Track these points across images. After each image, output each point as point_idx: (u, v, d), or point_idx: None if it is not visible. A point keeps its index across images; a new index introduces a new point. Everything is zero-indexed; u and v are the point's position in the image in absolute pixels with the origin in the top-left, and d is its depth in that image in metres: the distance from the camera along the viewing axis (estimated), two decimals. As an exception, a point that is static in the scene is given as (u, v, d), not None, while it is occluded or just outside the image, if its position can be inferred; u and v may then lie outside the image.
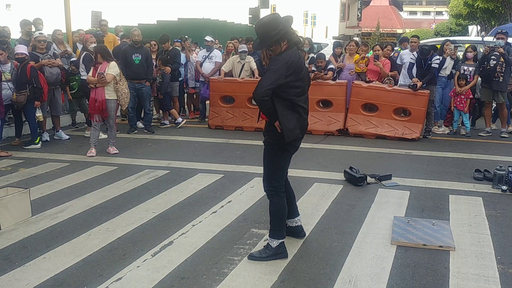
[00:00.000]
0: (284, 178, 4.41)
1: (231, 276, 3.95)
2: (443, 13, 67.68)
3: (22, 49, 8.45)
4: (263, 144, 4.34)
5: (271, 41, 4.03)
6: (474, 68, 9.67)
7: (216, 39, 12.81)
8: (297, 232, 4.66)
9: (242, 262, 4.19)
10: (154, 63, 10.34)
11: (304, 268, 4.09)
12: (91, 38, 9.20)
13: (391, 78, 9.90)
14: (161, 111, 11.09)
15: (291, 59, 4.02)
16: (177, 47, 11.55)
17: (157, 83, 10.35)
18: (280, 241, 4.27)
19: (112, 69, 7.91)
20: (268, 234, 4.37)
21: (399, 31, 54.38)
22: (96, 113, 8.00)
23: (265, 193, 4.39)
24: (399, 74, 10.10)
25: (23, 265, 4.13)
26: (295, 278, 3.92)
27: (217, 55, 11.24)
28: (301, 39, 4.82)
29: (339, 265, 4.14)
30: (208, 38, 11.35)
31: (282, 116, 4.04)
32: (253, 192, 6.08)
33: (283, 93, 4.03)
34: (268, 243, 4.30)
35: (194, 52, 12.39)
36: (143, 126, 10.25)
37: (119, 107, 8.28)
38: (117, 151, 8.14)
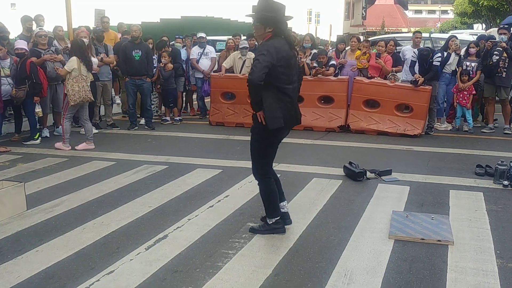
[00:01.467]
0: (270, 165, 4.54)
1: (225, 269, 3.89)
2: (448, 11, 67.38)
3: (21, 44, 8.43)
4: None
5: (260, 18, 4.18)
6: (476, 63, 9.57)
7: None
8: (284, 219, 4.66)
9: (237, 255, 4.13)
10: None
11: (299, 262, 4.03)
12: (82, 32, 9.11)
13: (395, 74, 9.82)
14: (163, 107, 11.05)
15: (279, 46, 4.13)
16: (178, 44, 11.54)
17: (161, 79, 10.30)
18: (276, 218, 4.54)
19: (68, 64, 7.98)
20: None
21: (404, 30, 54.15)
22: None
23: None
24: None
25: (15, 258, 4.09)
26: (290, 272, 3.86)
27: (211, 50, 11.30)
28: (295, 38, 4.84)
29: (335, 259, 4.08)
30: (201, 34, 11.33)
31: (266, 103, 4.17)
32: (251, 186, 6.01)
33: (271, 79, 4.10)
34: (266, 220, 4.60)
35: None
36: (143, 123, 10.21)
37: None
38: (93, 146, 8.14)
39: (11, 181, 5.33)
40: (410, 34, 13.95)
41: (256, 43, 10.98)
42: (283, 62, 4.13)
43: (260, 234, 4.53)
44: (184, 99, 11.86)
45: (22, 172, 6.73)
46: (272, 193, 4.52)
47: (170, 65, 10.17)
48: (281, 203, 4.67)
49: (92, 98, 8.25)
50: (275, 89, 4.17)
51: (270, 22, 4.17)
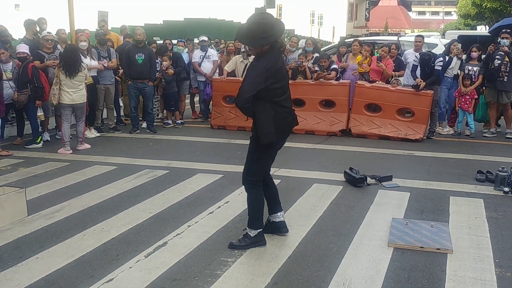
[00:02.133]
0: (264, 175, 4.52)
1: (224, 277, 3.90)
2: (452, 13, 67.30)
3: (23, 49, 8.46)
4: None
5: (257, 42, 4.11)
6: (478, 68, 9.56)
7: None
8: (280, 228, 4.69)
9: (236, 263, 4.14)
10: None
11: (298, 270, 4.03)
12: (81, 36, 9.15)
13: (398, 79, 9.83)
14: (165, 111, 11.07)
15: (269, 63, 4.11)
16: (180, 47, 11.56)
17: (163, 82, 10.33)
18: (258, 230, 4.44)
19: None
20: (247, 225, 4.49)
21: (408, 31, 54.10)
22: None
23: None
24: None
25: (15, 265, 4.11)
26: (288, 280, 3.87)
27: (213, 53, 11.33)
28: (284, 43, 4.81)
29: (333, 267, 4.08)
30: (203, 38, 11.36)
31: (259, 120, 4.20)
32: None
33: (264, 95, 4.12)
34: (246, 233, 4.46)
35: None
36: (145, 126, 10.23)
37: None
38: (89, 146, 8.55)
39: (13, 187, 5.37)
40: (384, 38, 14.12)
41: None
42: (274, 79, 4.12)
43: (241, 249, 4.37)
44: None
45: (24, 176, 6.76)
46: (260, 203, 4.46)
47: (171, 71, 10.19)
48: (278, 213, 4.67)
49: (81, 101, 8.35)
50: (270, 104, 4.17)
51: (267, 41, 4.10)
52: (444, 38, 16.86)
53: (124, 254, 4.30)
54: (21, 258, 4.25)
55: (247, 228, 4.49)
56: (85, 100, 8.42)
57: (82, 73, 8.23)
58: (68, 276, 3.92)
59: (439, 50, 11.80)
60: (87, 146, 8.53)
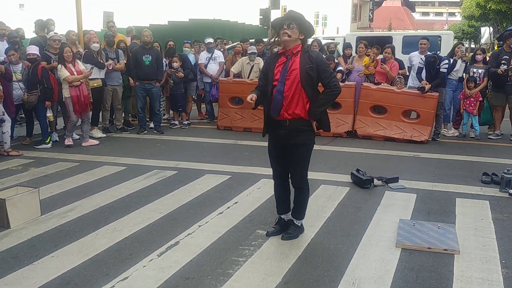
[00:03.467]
0: None
1: (236, 277, 3.99)
2: (456, 14, 67.27)
3: (33, 50, 8.56)
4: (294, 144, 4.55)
5: (300, 24, 4.41)
6: (483, 70, 9.62)
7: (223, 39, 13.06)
8: (288, 227, 4.87)
9: (247, 263, 4.23)
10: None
11: (308, 270, 4.12)
12: (94, 37, 9.27)
13: (401, 77, 9.90)
14: (171, 112, 11.17)
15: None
16: (186, 48, 11.65)
17: (170, 83, 10.41)
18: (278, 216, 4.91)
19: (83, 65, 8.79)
20: (295, 217, 4.79)
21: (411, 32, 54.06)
22: (81, 110, 8.61)
23: (271, 194, 4.94)
24: (408, 73, 10.12)
25: (31, 263, 4.20)
26: (299, 280, 3.95)
27: (219, 55, 11.42)
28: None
29: (343, 267, 4.17)
30: (209, 40, 11.46)
31: (325, 112, 4.62)
32: (259, 193, 6.11)
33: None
34: (297, 224, 4.80)
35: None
36: (153, 127, 10.32)
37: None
38: (98, 142, 8.99)
39: (26, 187, 5.46)
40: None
41: (265, 49, 11.11)
42: None
43: (296, 238, 4.73)
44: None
45: (35, 176, 6.86)
46: None
47: (181, 74, 10.29)
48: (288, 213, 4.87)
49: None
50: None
51: (308, 31, 4.42)
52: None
53: (138, 253, 4.39)
54: (36, 256, 4.34)
55: (297, 220, 4.79)
56: None
57: None
58: (83, 274, 4.02)
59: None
60: (93, 141, 8.84)
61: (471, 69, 9.73)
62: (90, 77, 8.88)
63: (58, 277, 3.96)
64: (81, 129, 9.02)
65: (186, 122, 10.87)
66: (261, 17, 21.92)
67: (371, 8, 50.85)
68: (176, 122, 10.83)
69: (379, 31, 42.78)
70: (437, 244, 4.56)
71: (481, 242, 4.71)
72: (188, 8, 31.95)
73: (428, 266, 4.22)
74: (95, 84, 9.06)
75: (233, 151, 8.57)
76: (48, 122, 8.84)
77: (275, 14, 21.78)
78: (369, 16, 50.82)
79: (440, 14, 78.02)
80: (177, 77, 10.28)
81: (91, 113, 9.24)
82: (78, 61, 8.78)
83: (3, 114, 7.86)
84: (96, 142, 8.95)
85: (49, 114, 8.63)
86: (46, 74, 8.44)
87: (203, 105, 12.23)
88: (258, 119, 10.03)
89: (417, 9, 76.30)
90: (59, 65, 8.46)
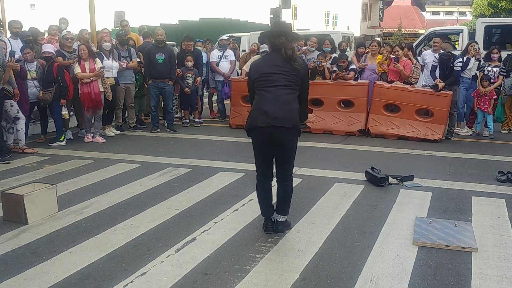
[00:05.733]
0: None
1: (253, 273, 4.00)
2: (466, 13, 66.81)
3: (49, 48, 8.63)
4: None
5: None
6: (498, 68, 9.56)
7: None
8: (276, 227, 4.88)
9: (264, 259, 4.24)
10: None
11: (326, 267, 4.12)
12: (106, 36, 9.33)
13: (418, 67, 9.87)
14: (183, 110, 11.19)
15: None
16: (198, 47, 11.68)
17: (188, 83, 10.41)
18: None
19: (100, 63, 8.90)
20: (284, 214, 4.85)
21: (421, 31, 53.85)
22: (91, 106, 8.77)
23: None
24: (421, 73, 10.08)
25: (50, 258, 4.24)
26: (317, 277, 3.95)
27: (231, 53, 11.46)
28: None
29: (360, 264, 4.16)
30: (224, 37, 11.50)
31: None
32: (274, 191, 6.09)
33: None
34: (286, 220, 4.90)
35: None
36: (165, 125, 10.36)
37: None
38: (105, 140, 9.09)
39: (43, 183, 5.50)
40: None
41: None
42: None
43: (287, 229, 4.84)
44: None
45: (50, 173, 6.92)
46: None
47: (199, 79, 10.50)
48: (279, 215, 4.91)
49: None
50: None
51: None
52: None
53: (155, 249, 4.42)
54: (55, 252, 4.38)
55: (282, 217, 4.83)
56: None
57: None
58: (102, 269, 4.04)
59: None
60: (99, 139, 9.02)
61: (486, 67, 9.66)
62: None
63: (77, 272, 3.99)
64: (96, 126, 9.18)
65: (198, 120, 10.89)
66: (272, 16, 21.93)
67: (381, 7, 50.68)
68: (187, 120, 10.86)
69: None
70: (454, 242, 4.54)
71: (499, 240, 4.69)
72: (199, 8, 32.01)
73: (446, 263, 4.20)
74: (108, 82, 9.11)
75: (246, 149, 8.53)
76: (62, 120, 8.91)
77: (286, 13, 21.78)
78: (379, 15, 50.66)
79: (451, 13, 77.52)
80: (195, 85, 10.35)
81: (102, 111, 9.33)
82: (97, 59, 8.83)
83: (18, 112, 7.93)
84: (102, 140, 9.07)
85: (64, 112, 8.70)
86: (61, 72, 8.51)
87: (215, 104, 12.26)
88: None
89: (427, 8, 75.91)
90: (76, 62, 8.60)
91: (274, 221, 4.85)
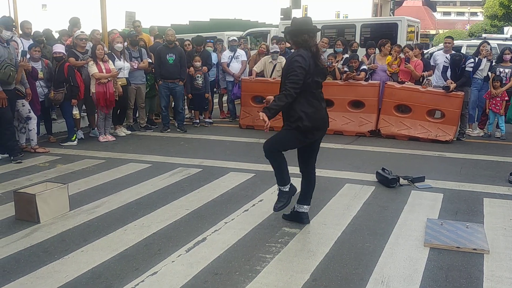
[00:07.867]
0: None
1: (264, 273, 4.00)
2: (478, 14, 66.34)
3: (60, 48, 8.70)
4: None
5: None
6: (510, 70, 9.48)
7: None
8: (302, 218, 5.04)
9: (274, 260, 4.23)
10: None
11: (336, 268, 4.11)
12: (118, 38, 9.39)
13: (429, 79, 9.83)
14: (193, 111, 11.21)
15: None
16: (209, 47, 11.70)
17: (199, 84, 10.43)
18: (289, 185, 4.92)
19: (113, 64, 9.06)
20: (308, 204, 5.04)
21: (432, 32, 53.61)
22: (105, 105, 8.93)
23: (296, 192, 5.05)
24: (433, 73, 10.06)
25: (61, 257, 4.27)
26: (327, 277, 3.94)
27: (242, 54, 11.47)
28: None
29: (371, 265, 4.15)
30: (233, 37, 11.52)
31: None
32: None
33: None
34: (280, 190, 4.94)
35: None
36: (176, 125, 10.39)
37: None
38: (115, 138, 9.26)
39: (55, 183, 5.54)
40: None
41: (287, 48, 11.10)
42: None
43: (286, 205, 4.95)
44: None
45: (62, 173, 6.96)
46: (280, 165, 4.89)
47: (205, 68, 10.48)
48: (304, 206, 5.03)
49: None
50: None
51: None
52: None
53: (166, 249, 4.43)
54: (66, 251, 4.40)
55: (307, 206, 5.02)
56: None
57: None
58: (113, 268, 4.06)
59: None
60: (108, 137, 9.18)
61: (498, 68, 9.59)
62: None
63: (89, 271, 4.02)
64: (107, 124, 9.28)
65: (208, 120, 10.92)
66: (282, 16, 21.92)
67: (391, 8, 50.36)
68: (198, 121, 10.89)
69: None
70: (466, 244, 4.52)
71: (511, 242, 4.65)
72: (209, 8, 32.08)
73: (457, 265, 4.18)
74: (120, 83, 9.16)
75: (256, 149, 8.56)
76: (74, 120, 8.97)
77: (296, 13, 21.77)
78: (390, 15, 50.40)
79: (462, 13, 77.00)
80: (195, 86, 10.38)
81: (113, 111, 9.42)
82: (110, 60, 8.92)
83: (30, 112, 8.00)
84: (113, 138, 9.25)
85: (76, 112, 8.76)
86: (72, 73, 8.56)
87: (225, 104, 12.28)
88: (280, 118, 9.87)
89: (438, 9, 75.46)
90: (91, 61, 8.65)
91: (300, 211, 5.02)
